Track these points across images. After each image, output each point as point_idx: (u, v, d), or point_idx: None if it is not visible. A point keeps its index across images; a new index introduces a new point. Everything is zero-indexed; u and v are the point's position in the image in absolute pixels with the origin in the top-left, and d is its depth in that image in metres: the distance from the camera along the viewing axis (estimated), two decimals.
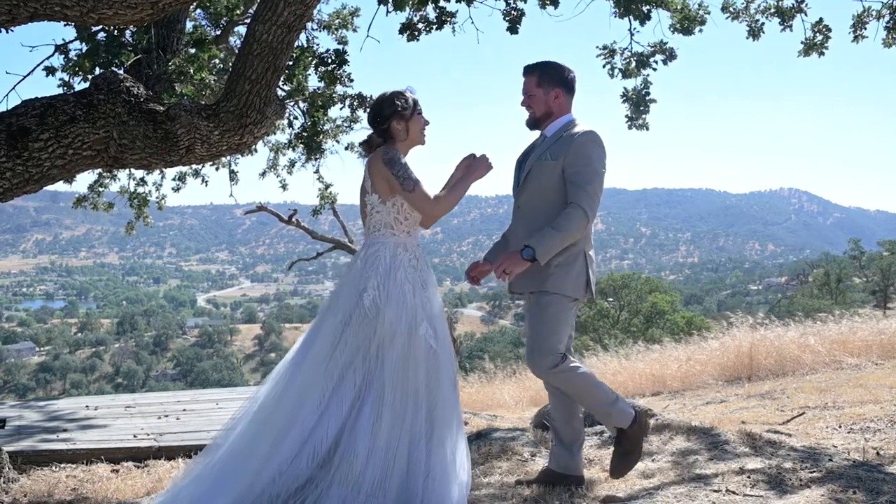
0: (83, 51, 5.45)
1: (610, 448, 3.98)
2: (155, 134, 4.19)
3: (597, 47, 6.41)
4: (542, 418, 4.66)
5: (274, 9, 3.94)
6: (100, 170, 8.03)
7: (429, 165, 3.14)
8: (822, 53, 6.25)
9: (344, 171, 9.49)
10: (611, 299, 32.14)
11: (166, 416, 5.96)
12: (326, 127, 7.06)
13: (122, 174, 8.67)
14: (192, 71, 5.58)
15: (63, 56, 5.71)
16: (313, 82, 6.53)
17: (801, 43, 6.25)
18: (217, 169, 8.99)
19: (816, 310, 13.16)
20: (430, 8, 6.02)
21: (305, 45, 6.35)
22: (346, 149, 8.13)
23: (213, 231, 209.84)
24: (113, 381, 70.81)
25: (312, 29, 7.04)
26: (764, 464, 3.48)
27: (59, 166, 4.04)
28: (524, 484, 3.40)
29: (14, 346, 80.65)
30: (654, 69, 6.25)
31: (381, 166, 3.05)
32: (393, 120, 3.13)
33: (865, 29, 6.02)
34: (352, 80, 6.13)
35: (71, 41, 5.67)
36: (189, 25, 6.00)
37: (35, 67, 5.57)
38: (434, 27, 6.07)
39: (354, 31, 7.39)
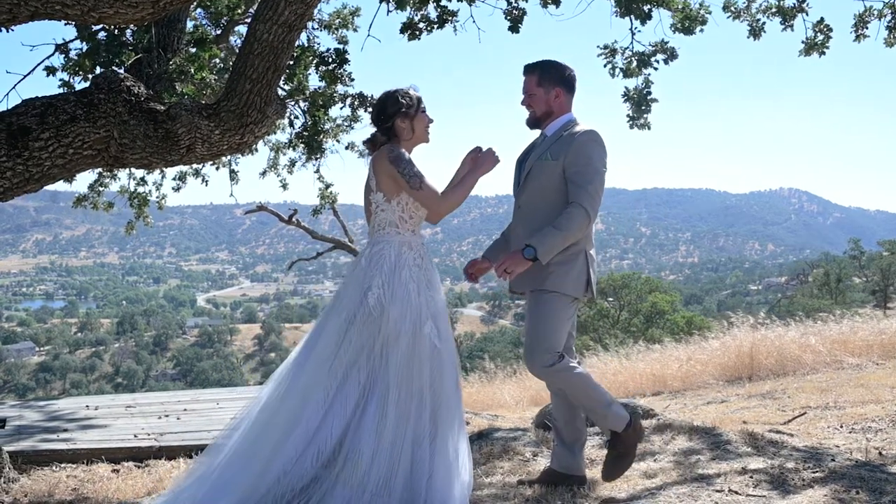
0: (83, 50, 5.44)
1: None
2: (155, 133, 4.19)
3: (598, 47, 6.41)
4: (544, 418, 4.65)
5: (275, 8, 3.93)
6: (100, 169, 8.03)
7: (434, 162, 3.13)
8: (822, 53, 6.25)
9: (344, 170, 9.49)
10: (611, 299, 32.13)
11: (167, 415, 5.95)
12: (327, 126, 7.05)
13: (123, 174, 8.67)
14: (192, 70, 5.57)
15: (63, 55, 5.70)
16: (314, 82, 6.53)
17: (802, 42, 6.25)
18: (217, 169, 8.98)
19: (817, 310, 13.15)
20: (431, 7, 6.02)
21: (306, 45, 6.34)
22: (347, 148, 8.13)
23: (213, 231, 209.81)
24: (113, 380, 70.81)
25: (313, 28, 7.04)
26: (766, 464, 3.48)
27: (60, 166, 4.03)
28: (526, 484, 3.40)
29: (14, 345, 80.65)
30: (656, 69, 6.26)
31: (387, 164, 3.05)
32: (397, 118, 3.12)
33: (867, 28, 6.02)
34: (352, 80, 6.14)
35: (71, 40, 5.66)
36: (189, 25, 5.99)
37: (35, 67, 5.56)
38: (435, 26, 6.07)
39: (355, 30, 7.38)
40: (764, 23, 6.32)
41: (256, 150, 8.25)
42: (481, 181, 3.23)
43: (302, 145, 7.18)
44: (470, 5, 6.05)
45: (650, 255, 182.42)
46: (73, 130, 3.98)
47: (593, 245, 3.41)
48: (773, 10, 6.21)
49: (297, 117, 6.88)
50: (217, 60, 6.48)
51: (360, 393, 2.90)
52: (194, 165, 8.57)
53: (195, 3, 6.02)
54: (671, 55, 6.23)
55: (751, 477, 3.29)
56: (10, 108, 4.06)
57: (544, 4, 6.05)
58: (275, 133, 8.30)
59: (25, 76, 5.58)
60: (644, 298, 31.93)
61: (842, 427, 4.49)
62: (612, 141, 3.32)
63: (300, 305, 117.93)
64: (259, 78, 4.15)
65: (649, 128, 6.38)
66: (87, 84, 4.55)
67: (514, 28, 6.08)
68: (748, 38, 6.45)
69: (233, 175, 9.12)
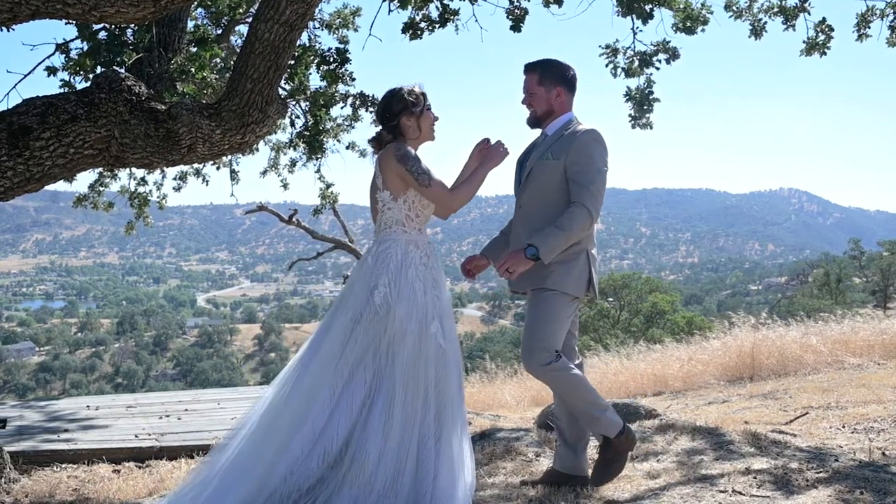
0: (84, 49, 5.43)
1: None
2: (156, 133, 4.18)
3: (600, 46, 6.40)
4: (547, 418, 4.64)
5: (276, 7, 3.93)
6: (101, 169, 8.01)
7: (434, 162, 3.10)
8: (824, 53, 6.24)
9: (345, 170, 9.49)
10: (611, 299, 32.10)
11: (168, 416, 5.95)
12: (328, 126, 7.04)
13: (123, 174, 8.66)
14: (193, 70, 5.56)
15: (64, 55, 5.70)
16: (315, 81, 6.52)
17: (804, 42, 6.24)
18: (218, 168, 8.97)
19: (817, 310, 13.14)
20: (432, 7, 6.01)
21: (307, 44, 6.33)
22: (348, 148, 8.13)
23: (213, 231, 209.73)
24: (113, 381, 70.81)
25: (314, 28, 7.02)
26: (770, 464, 3.47)
27: (61, 165, 4.03)
28: (529, 484, 3.39)
29: (14, 345, 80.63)
30: (658, 68, 6.24)
31: (394, 162, 3.03)
32: (402, 116, 3.10)
33: (869, 28, 6.01)
34: (353, 79, 6.13)
35: (72, 40, 5.66)
36: (190, 24, 5.98)
37: (36, 66, 5.55)
38: (437, 26, 6.06)
39: (355, 30, 7.36)
40: (765, 22, 6.32)
41: (257, 149, 8.24)
42: (486, 178, 3.22)
43: (303, 145, 7.17)
44: (472, 4, 6.04)
45: (650, 256, 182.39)
46: (73, 130, 3.98)
47: (595, 245, 3.40)
48: (775, 9, 6.20)
49: (298, 117, 6.87)
50: (218, 60, 6.47)
51: (367, 392, 2.89)
52: (195, 165, 8.56)
53: (196, 3, 6.01)
54: (673, 55, 6.22)
55: (754, 477, 3.28)
56: (10, 107, 4.06)
57: (546, 4, 6.04)
58: (275, 133, 8.29)
59: (26, 76, 5.57)
60: (644, 298, 31.92)
61: (844, 427, 4.48)
62: (613, 141, 3.31)
63: (300, 305, 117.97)
64: (260, 77, 4.14)
65: (651, 127, 6.37)
66: (88, 83, 4.54)
67: (516, 27, 6.07)
68: (749, 37, 6.44)
69: (233, 175, 9.11)
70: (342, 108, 7.00)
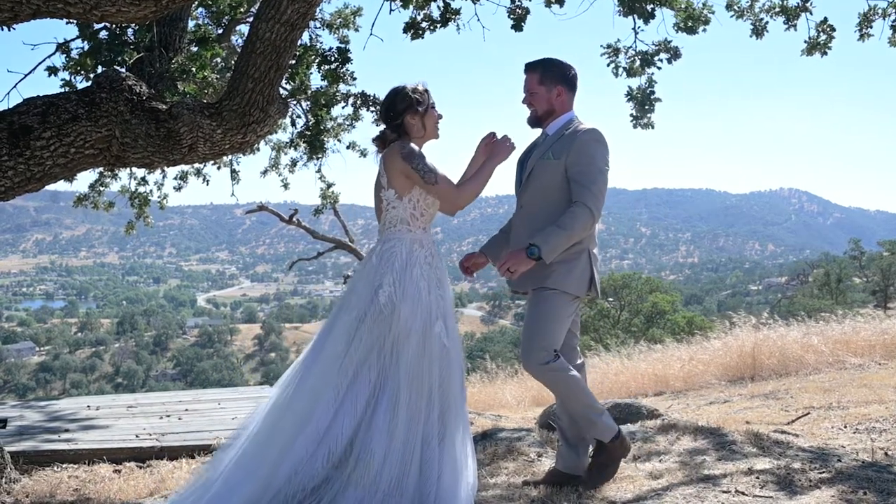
0: (85, 49, 5.42)
1: None
2: (157, 132, 4.17)
3: (601, 46, 6.38)
4: (548, 418, 4.63)
5: (277, 6, 3.92)
6: (101, 169, 8.00)
7: (439, 158, 3.10)
8: (825, 53, 6.23)
9: (346, 170, 9.47)
10: (611, 299, 32.09)
11: (168, 416, 5.94)
12: (329, 125, 7.03)
13: (123, 173, 8.65)
14: (194, 69, 5.55)
15: (65, 55, 5.69)
16: (316, 81, 6.51)
17: (805, 42, 6.23)
18: (219, 168, 8.95)
19: (818, 310, 13.12)
20: (434, 6, 6.00)
21: (308, 44, 6.32)
22: (348, 148, 8.11)
23: (213, 231, 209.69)
24: (113, 380, 70.81)
25: (315, 27, 7.01)
26: (772, 464, 3.46)
27: (62, 165, 4.02)
28: (531, 485, 3.38)
29: (14, 345, 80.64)
30: (659, 68, 6.23)
31: (399, 161, 3.02)
32: (407, 114, 3.09)
33: (871, 27, 6.00)
34: (355, 79, 6.12)
35: (72, 39, 5.65)
36: (191, 24, 5.97)
37: (37, 66, 5.55)
38: (438, 25, 6.05)
39: (356, 30, 7.35)
40: (767, 22, 6.31)
41: (258, 149, 8.23)
42: (493, 174, 3.21)
43: (304, 145, 7.16)
44: (474, 4, 6.03)
45: (650, 256, 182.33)
46: (74, 129, 3.97)
47: (596, 244, 3.40)
48: (777, 9, 6.19)
49: (299, 116, 6.87)
50: (219, 60, 6.46)
51: (371, 392, 2.88)
52: (196, 165, 8.55)
53: (197, 2, 6.01)
54: (674, 54, 6.21)
55: (757, 478, 3.27)
56: (11, 107, 4.05)
57: (548, 4, 6.02)
58: (276, 132, 8.28)
59: (26, 75, 5.57)
60: (645, 298, 31.90)
61: (846, 427, 4.48)
62: (613, 141, 3.31)
63: (300, 305, 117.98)
64: (261, 77, 4.13)
65: (652, 127, 6.36)
66: (89, 83, 4.53)
67: (518, 26, 6.06)
68: (751, 36, 6.43)
69: (234, 175, 9.09)
70: (343, 107, 7.01)
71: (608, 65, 6.37)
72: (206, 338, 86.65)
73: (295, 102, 6.48)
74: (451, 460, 2.89)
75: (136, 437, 5.14)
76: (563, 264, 3.21)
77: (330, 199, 9.22)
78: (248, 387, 9.56)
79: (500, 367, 11.69)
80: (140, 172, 8.58)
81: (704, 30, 6.15)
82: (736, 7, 6.29)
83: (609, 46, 6.37)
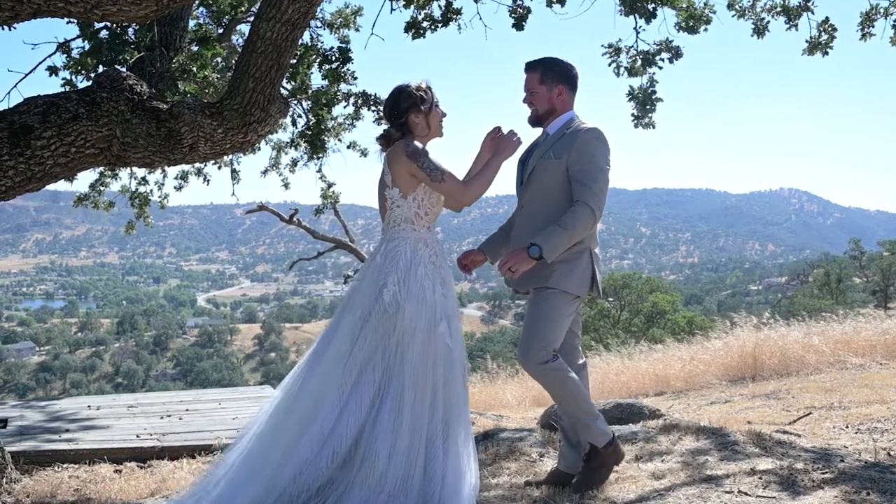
0: (86, 48, 5.42)
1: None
2: (158, 132, 4.17)
3: (602, 45, 6.38)
4: (550, 419, 4.62)
5: (278, 6, 3.91)
6: (102, 168, 8.00)
7: (440, 157, 3.08)
8: (826, 53, 6.22)
9: (346, 170, 9.45)
10: (611, 299, 32.08)
11: (169, 416, 5.93)
12: (329, 125, 7.02)
13: (124, 173, 8.64)
14: (195, 69, 5.55)
15: (65, 54, 5.68)
16: (317, 80, 6.50)
17: (806, 42, 6.22)
18: (220, 168, 8.95)
19: (818, 310, 13.12)
20: (435, 6, 5.99)
21: (309, 43, 6.31)
22: (349, 147, 8.10)
23: (213, 231, 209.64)
24: (113, 380, 70.83)
25: (316, 27, 7.00)
26: (775, 464, 3.45)
27: (62, 164, 4.01)
28: (533, 485, 3.37)
29: (14, 345, 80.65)
30: (660, 68, 6.22)
31: (405, 160, 3.00)
32: (411, 113, 3.07)
33: (873, 27, 5.99)
34: (356, 78, 6.11)
35: (73, 39, 5.64)
36: (192, 23, 5.97)
37: (37, 65, 5.54)
38: (440, 25, 6.04)
39: (357, 30, 7.34)
40: (768, 22, 6.30)
41: (259, 148, 8.22)
42: (499, 169, 3.20)
43: (305, 144, 7.15)
44: (476, 2, 6.03)
45: (650, 256, 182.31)
46: (75, 129, 3.96)
47: (598, 244, 3.39)
48: (778, 9, 6.19)
49: (300, 116, 6.86)
50: (219, 59, 6.45)
51: (376, 391, 2.87)
52: (196, 164, 8.54)
53: (197, 2, 6.00)
54: (676, 54, 6.20)
55: (760, 478, 3.26)
56: (11, 106, 4.04)
57: (549, 3, 6.00)
58: (277, 132, 8.27)
59: (27, 74, 5.56)
60: (645, 298, 31.90)
61: (847, 427, 4.47)
62: (613, 141, 3.30)
63: (300, 305, 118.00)
64: (262, 76, 4.12)
65: (654, 127, 6.35)
66: (90, 82, 4.52)
67: (519, 26, 6.05)
68: (752, 36, 6.42)
69: (234, 174, 9.08)
70: (345, 107, 7.00)
71: (609, 64, 6.37)
72: (206, 338, 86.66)
73: (296, 102, 6.47)
74: (454, 460, 2.88)
75: (137, 437, 5.14)
76: (565, 264, 3.20)
77: (331, 199, 9.21)
78: (248, 387, 9.55)
79: (501, 368, 11.69)
80: (140, 172, 8.57)
81: (706, 29, 6.16)
82: (737, 7, 6.28)
83: (610, 46, 6.36)
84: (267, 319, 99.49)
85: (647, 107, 6.25)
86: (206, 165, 8.69)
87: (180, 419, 5.80)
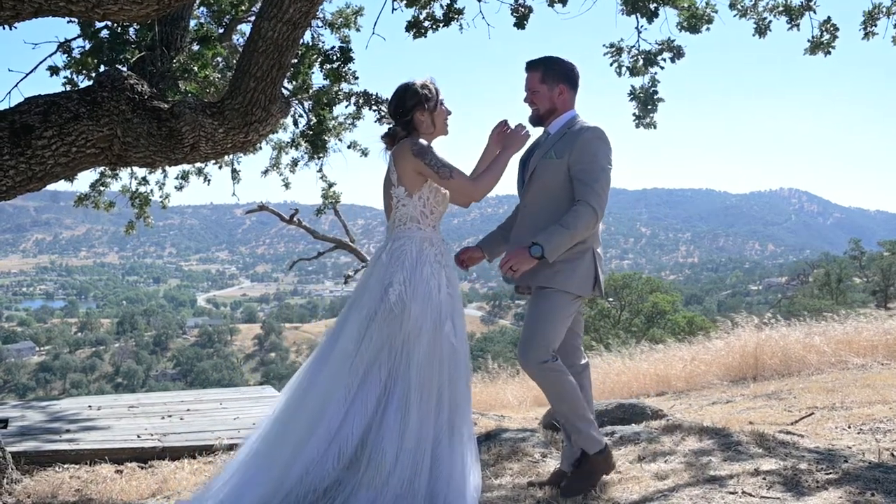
0: (86, 48, 5.41)
1: (621, 449, 3.95)
2: (159, 132, 4.16)
3: (604, 45, 6.36)
4: (552, 419, 4.61)
5: (279, 5, 3.90)
6: (102, 168, 7.99)
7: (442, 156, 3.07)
8: (828, 53, 6.21)
9: (346, 170, 9.43)
10: (611, 299, 32.07)
11: (170, 416, 5.92)
12: (330, 125, 7.01)
13: (124, 173, 8.62)
14: (196, 68, 5.54)
15: (66, 54, 5.68)
16: (318, 80, 6.49)
17: (808, 41, 6.20)
18: (220, 168, 8.93)
19: (819, 310, 13.11)
20: (437, 5, 5.98)
21: (311, 43, 6.30)
22: (349, 147, 8.09)
23: (214, 231, 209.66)
24: (113, 380, 70.81)
25: (317, 26, 6.99)
26: (779, 465, 3.44)
27: (63, 164, 4.00)
28: (536, 485, 3.36)
29: (14, 345, 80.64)
30: (662, 67, 6.21)
31: (411, 158, 2.99)
32: (416, 111, 3.06)
33: (876, 26, 5.98)
34: (357, 78, 6.10)
35: (74, 38, 5.64)
36: (193, 23, 5.96)
37: (38, 65, 5.54)
38: (441, 24, 6.03)
39: (357, 30, 7.33)
40: (770, 21, 6.29)
41: (259, 148, 8.21)
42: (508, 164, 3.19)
43: (306, 144, 7.14)
44: (479, 1, 6.02)
45: (650, 256, 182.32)
46: (76, 129, 3.95)
47: (600, 243, 3.38)
48: (780, 9, 6.17)
49: (301, 116, 6.85)
50: (220, 59, 6.45)
51: (382, 391, 2.86)
52: (197, 164, 8.53)
53: (198, 1, 5.99)
54: (677, 53, 6.19)
55: (764, 478, 3.25)
56: (12, 106, 4.03)
57: (551, 3, 5.99)
58: (277, 132, 8.26)
59: (28, 74, 5.55)
60: (645, 298, 31.90)
61: (850, 427, 4.46)
62: (613, 141, 3.29)
63: (300, 305, 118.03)
64: (263, 76, 4.12)
65: (655, 127, 6.33)
66: (91, 82, 4.51)
67: (521, 24, 6.04)
68: (753, 35, 6.41)
69: (234, 174, 9.07)
70: (346, 106, 6.98)
71: (611, 64, 6.35)
72: (206, 338, 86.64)
73: (297, 102, 6.46)
74: (459, 460, 2.87)
75: (138, 437, 5.13)
76: (567, 263, 3.19)
77: (331, 199, 9.19)
78: (249, 387, 9.54)
79: (502, 368, 11.67)
80: (141, 172, 8.56)
81: (707, 29, 6.14)
82: (739, 6, 6.27)
83: (612, 45, 6.34)
84: (267, 319, 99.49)
85: (649, 107, 6.24)
86: (206, 165, 8.68)
87: (181, 419, 5.79)
